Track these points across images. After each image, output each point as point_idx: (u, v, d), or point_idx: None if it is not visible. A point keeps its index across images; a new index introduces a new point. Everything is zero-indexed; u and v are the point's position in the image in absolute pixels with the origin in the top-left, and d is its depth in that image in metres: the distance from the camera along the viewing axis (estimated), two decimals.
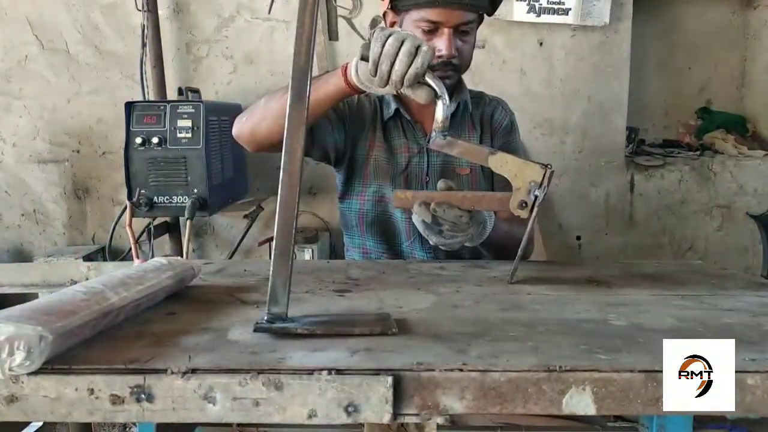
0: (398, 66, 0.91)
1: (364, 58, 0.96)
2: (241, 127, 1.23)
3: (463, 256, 1.39)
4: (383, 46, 0.92)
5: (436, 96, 0.94)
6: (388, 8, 1.30)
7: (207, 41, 2.39)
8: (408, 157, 1.36)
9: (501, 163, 0.97)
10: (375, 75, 0.94)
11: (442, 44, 1.21)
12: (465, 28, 1.23)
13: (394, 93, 0.98)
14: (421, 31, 1.22)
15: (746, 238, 2.53)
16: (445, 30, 1.21)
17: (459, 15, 1.20)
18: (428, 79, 0.94)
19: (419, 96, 0.95)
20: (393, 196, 1.03)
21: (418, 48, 0.92)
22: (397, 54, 0.91)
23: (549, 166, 0.95)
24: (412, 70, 0.91)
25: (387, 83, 0.94)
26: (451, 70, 1.25)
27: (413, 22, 1.23)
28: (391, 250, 1.39)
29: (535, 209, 0.95)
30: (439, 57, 1.22)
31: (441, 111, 0.95)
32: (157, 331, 0.71)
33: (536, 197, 0.95)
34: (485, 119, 1.41)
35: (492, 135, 1.41)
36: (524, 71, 2.40)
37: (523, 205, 0.96)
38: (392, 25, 1.31)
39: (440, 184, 1.05)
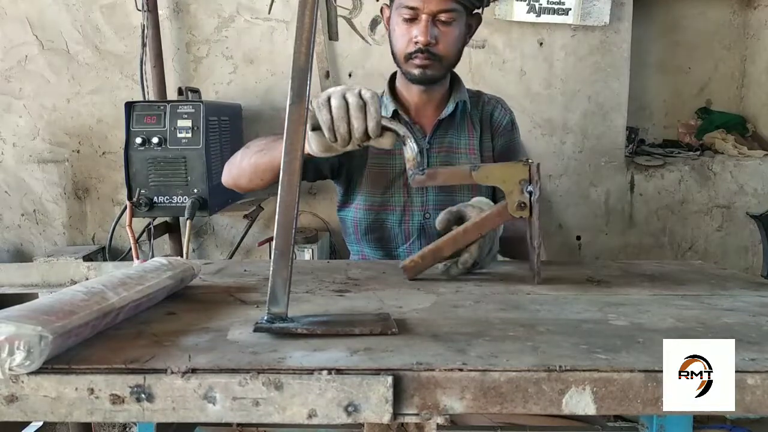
0: (356, 124, 0.88)
1: (315, 129, 0.93)
2: (225, 180, 1.29)
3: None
4: (330, 110, 0.89)
5: (398, 137, 0.93)
6: (384, 4, 1.32)
7: (207, 41, 2.39)
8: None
9: (486, 174, 0.97)
10: (335, 140, 0.91)
11: (418, 30, 1.22)
12: (445, 17, 1.23)
13: (357, 148, 0.95)
14: (402, 20, 1.24)
15: (746, 238, 2.53)
16: (423, 16, 1.22)
17: (437, 2, 1.21)
18: (385, 124, 0.91)
19: (384, 144, 0.92)
20: (404, 270, 1.02)
21: (361, 97, 0.89)
22: (348, 112, 0.88)
23: (530, 161, 0.96)
24: (371, 123, 0.88)
25: (349, 143, 0.91)
26: (430, 59, 1.25)
27: (396, 11, 1.26)
28: (388, 256, 1.39)
29: (536, 205, 0.95)
30: (416, 44, 1.23)
31: (410, 150, 0.94)
32: (157, 331, 0.71)
33: (531, 193, 0.95)
34: (485, 118, 1.41)
35: (492, 134, 1.41)
36: (524, 71, 2.40)
37: (522, 206, 0.96)
38: (388, 20, 1.31)
39: (439, 219, 1.04)
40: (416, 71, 1.27)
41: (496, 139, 1.40)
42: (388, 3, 1.31)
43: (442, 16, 1.22)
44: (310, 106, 0.89)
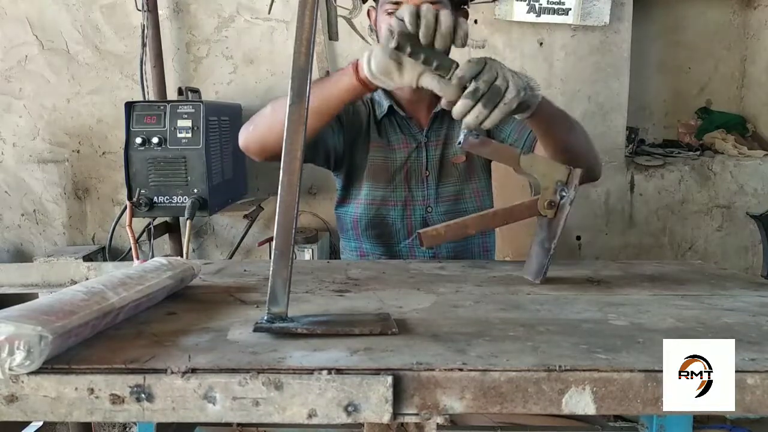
0: (443, 18, 0.87)
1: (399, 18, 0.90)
2: (247, 138, 1.18)
3: (471, 252, 1.39)
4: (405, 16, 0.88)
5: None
6: (371, 6, 1.31)
7: (207, 41, 2.39)
8: (407, 153, 1.36)
9: (531, 163, 0.96)
10: (419, 28, 0.88)
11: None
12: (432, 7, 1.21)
13: (413, 86, 0.93)
14: (386, 15, 1.20)
15: (746, 238, 2.53)
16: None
17: None
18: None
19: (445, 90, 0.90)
20: (422, 237, 0.98)
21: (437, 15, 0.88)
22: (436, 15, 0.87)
23: (577, 169, 0.95)
24: (443, 26, 0.87)
25: (433, 37, 0.89)
26: None
27: (381, 8, 1.23)
28: (388, 252, 1.39)
29: (565, 209, 0.95)
30: None
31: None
32: (156, 331, 0.71)
33: (563, 196, 0.95)
34: None
35: None
36: (524, 71, 2.40)
37: (551, 204, 0.96)
38: (375, 22, 1.31)
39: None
40: None
41: (506, 121, 1.37)
42: (374, 5, 1.29)
43: (427, 7, 1.20)
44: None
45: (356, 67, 0.99)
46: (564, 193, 0.95)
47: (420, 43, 0.90)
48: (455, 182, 1.37)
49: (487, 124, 0.91)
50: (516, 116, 0.99)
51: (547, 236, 0.98)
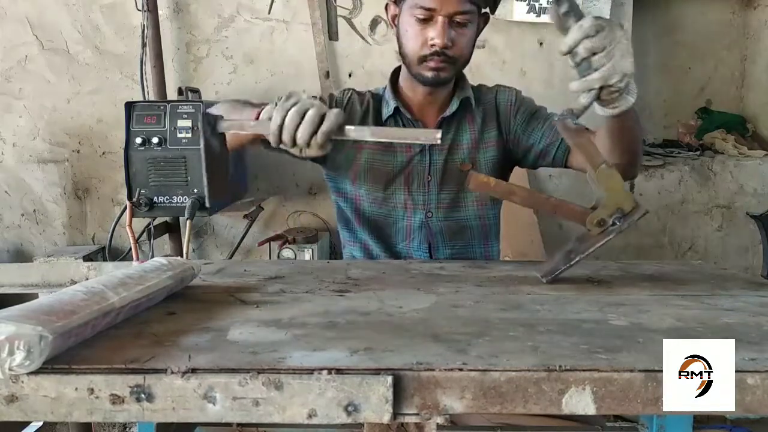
0: (301, 131, 0.88)
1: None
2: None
3: (468, 257, 1.38)
4: (283, 118, 0.89)
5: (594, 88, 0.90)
6: (389, 1, 1.30)
7: (207, 41, 2.39)
8: (409, 156, 1.34)
9: (607, 177, 0.94)
10: (277, 144, 0.90)
11: (435, 33, 1.18)
12: (461, 18, 1.19)
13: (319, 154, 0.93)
14: (415, 20, 1.20)
15: (746, 238, 2.53)
16: (439, 18, 1.18)
17: (454, 3, 1.17)
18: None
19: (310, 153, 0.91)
20: (472, 178, 0.96)
21: (323, 115, 0.88)
22: (299, 122, 0.88)
23: (642, 206, 0.94)
24: (324, 127, 0.88)
25: (294, 147, 0.90)
26: (445, 62, 1.22)
27: (408, 10, 1.21)
28: (388, 251, 1.38)
29: (611, 234, 0.94)
30: (432, 46, 1.20)
31: (591, 97, 0.90)
32: (156, 331, 0.71)
33: (615, 224, 0.93)
34: (489, 109, 1.36)
35: (502, 119, 1.36)
36: (524, 71, 2.40)
37: (601, 223, 0.94)
38: (393, 18, 1.29)
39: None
40: (429, 74, 1.24)
41: (513, 119, 1.35)
42: (394, 0, 1.28)
43: (458, 18, 1.19)
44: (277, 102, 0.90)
45: (258, 112, 0.99)
46: (618, 222, 0.93)
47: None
48: (457, 189, 1.35)
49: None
50: (600, 112, 0.96)
51: (578, 248, 0.97)
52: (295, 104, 0.89)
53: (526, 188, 0.99)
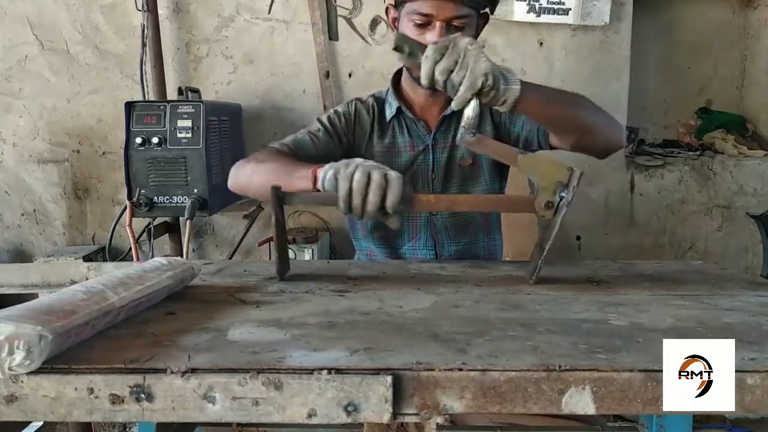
0: (371, 198, 0.89)
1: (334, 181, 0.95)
2: (232, 186, 1.25)
3: (475, 256, 1.38)
4: (350, 182, 0.90)
5: (468, 99, 0.95)
6: (389, 5, 1.30)
7: (207, 41, 2.39)
8: (413, 155, 1.36)
9: (531, 163, 0.96)
10: (348, 211, 0.92)
11: (432, 38, 1.19)
12: (459, 22, 1.20)
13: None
14: (413, 25, 1.21)
15: (746, 238, 2.53)
16: (437, 23, 1.19)
17: (451, 8, 1.18)
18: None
19: (392, 225, 0.94)
20: (415, 200, 1.00)
21: (386, 177, 0.90)
22: (367, 188, 0.90)
23: (575, 168, 0.94)
24: (388, 203, 0.90)
25: (362, 215, 0.92)
26: None
27: (407, 15, 1.23)
28: (394, 254, 1.39)
29: (563, 210, 0.94)
30: None
31: (471, 108, 0.95)
32: (156, 331, 0.71)
33: (562, 198, 0.94)
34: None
35: (495, 111, 1.36)
36: (524, 71, 2.40)
37: (549, 205, 0.94)
38: (393, 21, 1.30)
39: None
40: None
41: (514, 118, 1.36)
42: (393, 3, 1.29)
43: (456, 22, 1.20)
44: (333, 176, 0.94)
45: (314, 176, 1.03)
46: (563, 195, 0.93)
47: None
48: (461, 185, 1.36)
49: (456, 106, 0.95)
50: (498, 108, 0.99)
51: (545, 237, 0.98)
52: (354, 172, 0.91)
53: (469, 195, 1.03)
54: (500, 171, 1.40)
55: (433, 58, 0.93)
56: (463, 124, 0.96)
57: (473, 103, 0.94)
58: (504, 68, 0.97)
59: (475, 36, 1.29)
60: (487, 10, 1.30)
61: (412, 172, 1.35)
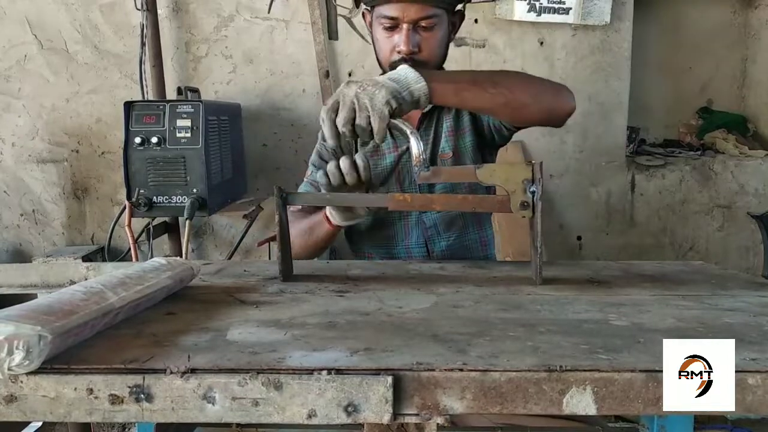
0: (359, 120, 0.95)
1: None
2: None
3: (466, 256, 1.38)
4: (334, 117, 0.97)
5: (405, 135, 0.99)
6: (365, 9, 1.32)
7: (206, 41, 2.39)
8: (397, 156, 1.36)
9: (489, 173, 0.98)
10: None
11: (400, 40, 1.21)
12: (426, 23, 1.22)
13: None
14: (382, 29, 1.23)
15: (747, 238, 2.53)
16: (404, 26, 1.20)
17: (417, 9, 1.19)
18: (396, 122, 0.99)
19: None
20: (392, 200, 1.04)
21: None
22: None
23: (533, 161, 0.96)
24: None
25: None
26: (414, 66, 1.23)
27: (376, 19, 1.25)
28: (389, 255, 1.39)
29: (539, 204, 0.95)
30: (399, 52, 1.22)
31: (415, 146, 0.98)
32: (156, 331, 0.71)
33: (534, 193, 0.94)
34: None
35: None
36: (524, 71, 2.40)
37: (525, 205, 0.95)
38: (370, 25, 1.32)
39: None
40: None
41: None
42: (368, 8, 1.30)
43: (423, 23, 1.21)
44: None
45: (325, 215, 1.17)
46: (533, 190, 0.94)
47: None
48: (453, 186, 1.35)
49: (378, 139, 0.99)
50: (421, 110, 1.04)
51: (534, 235, 0.98)
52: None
53: (444, 194, 1.09)
54: (483, 159, 1.39)
55: (330, 117, 0.98)
56: (414, 163, 0.99)
57: (413, 140, 0.98)
58: (402, 75, 1.01)
59: (452, 34, 1.30)
60: (460, 6, 1.30)
61: (399, 171, 1.36)
